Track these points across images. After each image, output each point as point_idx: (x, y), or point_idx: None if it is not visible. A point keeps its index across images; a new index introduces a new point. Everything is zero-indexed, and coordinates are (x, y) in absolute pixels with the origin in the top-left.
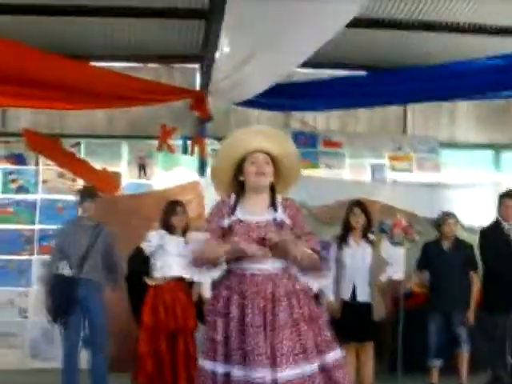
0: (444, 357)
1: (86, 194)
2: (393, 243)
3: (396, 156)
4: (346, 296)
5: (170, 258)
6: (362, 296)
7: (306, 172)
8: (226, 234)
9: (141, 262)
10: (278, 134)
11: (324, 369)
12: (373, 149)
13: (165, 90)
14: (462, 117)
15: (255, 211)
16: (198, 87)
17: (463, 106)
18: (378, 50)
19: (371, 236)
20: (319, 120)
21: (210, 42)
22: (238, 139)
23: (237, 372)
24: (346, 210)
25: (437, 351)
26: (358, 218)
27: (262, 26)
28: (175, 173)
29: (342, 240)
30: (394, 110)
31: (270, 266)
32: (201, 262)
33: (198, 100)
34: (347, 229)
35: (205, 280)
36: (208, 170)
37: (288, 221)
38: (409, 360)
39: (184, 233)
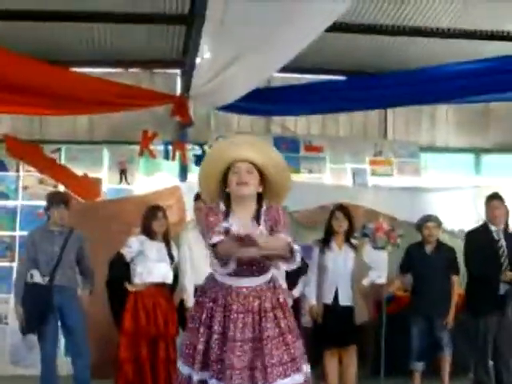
0: (426, 360)
1: (55, 199)
2: (375, 247)
3: (377, 160)
4: (329, 300)
5: (151, 264)
6: (344, 300)
7: None
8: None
9: (121, 268)
10: (261, 143)
11: (306, 379)
12: (354, 153)
13: (146, 96)
14: (442, 121)
15: (240, 223)
16: (178, 92)
17: (443, 111)
18: (359, 55)
19: (354, 241)
20: (300, 125)
21: (191, 48)
22: (220, 150)
23: (211, 382)
24: (329, 215)
25: (419, 354)
26: (341, 223)
27: (243, 30)
28: (156, 178)
29: (325, 244)
30: (374, 115)
31: (256, 281)
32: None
33: (179, 105)
34: (330, 233)
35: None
36: (189, 176)
37: (269, 223)
38: (391, 363)
39: (164, 238)
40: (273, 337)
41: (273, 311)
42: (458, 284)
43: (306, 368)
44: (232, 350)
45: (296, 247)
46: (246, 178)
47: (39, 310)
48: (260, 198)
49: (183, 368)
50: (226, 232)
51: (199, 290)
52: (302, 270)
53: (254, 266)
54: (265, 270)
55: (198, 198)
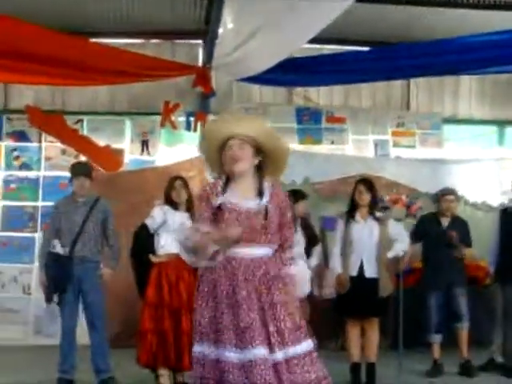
0: (444, 332)
1: (78, 170)
2: (394, 219)
3: (399, 132)
4: (354, 272)
5: (174, 234)
6: (370, 272)
7: (309, 148)
8: (217, 213)
9: (145, 239)
10: (251, 117)
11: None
12: (376, 124)
13: (168, 66)
14: (466, 92)
15: (241, 196)
16: (200, 63)
17: (466, 82)
18: (383, 25)
19: (378, 213)
20: (322, 96)
21: (214, 18)
22: (211, 130)
23: (228, 354)
24: (352, 187)
25: (437, 326)
26: (363, 196)
27: (266, 3)
28: (178, 149)
29: (349, 216)
30: (397, 86)
31: (260, 250)
32: (193, 252)
33: (201, 76)
34: (353, 206)
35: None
36: None
37: (274, 210)
38: (411, 336)
39: (188, 208)
40: (277, 305)
41: (275, 281)
42: (470, 257)
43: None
44: (244, 313)
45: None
46: (237, 154)
47: (60, 280)
48: (260, 171)
49: (196, 347)
50: (219, 207)
51: (205, 270)
52: (314, 240)
53: (255, 235)
54: (268, 242)
55: None
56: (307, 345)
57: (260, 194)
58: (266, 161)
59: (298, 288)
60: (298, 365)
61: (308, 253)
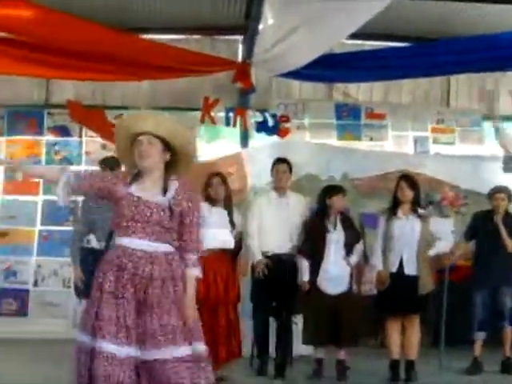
0: (488, 330)
1: (108, 164)
2: (441, 216)
3: (439, 128)
4: (393, 268)
5: (211, 230)
6: (410, 269)
7: (348, 144)
8: (116, 200)
9: None
10: (161, 115)
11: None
12: (416, 121)
13: (208, 62)
14: (506, 89)
15: (145, 191)
16: (240, 59)
17: (507, 78)
18: (423, 21)
19: (421, 210)
20: (362, 92)
21: (254, 14)
22: (123, 126)
23: (108, 347)
24: (395, 184)
25: (481, 324)
26: (406, 192)
27: None
28: (217, 145)
29: (391, 213)
30: (437, 82)
31: (151, 246)
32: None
33: (241, 71)
34: (395, 202)
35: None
36: (250, 142)
37: (175, 208)
38: (452, 333)
39: (226, 204)
40: (156, 305)
41: (162, 280)
42: None
43: (198, 345)
44: (124, 310)
45: (194, 258)
46: (146, 149)
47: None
48: (169, 168)
49: (80, 336)
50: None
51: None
52: (356, 237)
53: (147, 228)
54: (163, 240)
55: (281, 160)
56: (184, 350)
57: (164, 190)
58: (176, 159)
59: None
60: (167, 368)
61: (349, 250)
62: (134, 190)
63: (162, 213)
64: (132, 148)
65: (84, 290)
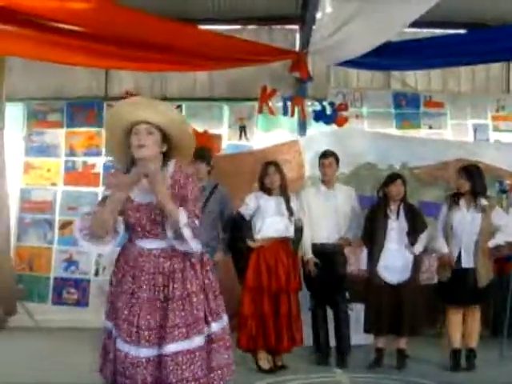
0: None
1: (198, 154)
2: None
3: (499, 116)
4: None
5: (269, 219)
6: (467, 262)
7: (406, 133)
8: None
9: (242, 226)
10: (158, 102)
11: (210, 339)
12: (475, 109)
13: (265, 51)
14: None
15: (142, 187)
16: (297, 48)
17: None
18: (479, 7)
19: (483, 201)
20: (420, 80)
21: (311, 3)
22: (118, 113)
23: (119, 344)
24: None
25: None
26: (463, 184)
27: None
28: (275, 134)
29: (453, 202)
30: (496, 69)
31: (165, 243)
32: (91, 230)
33: (298, 61)
34: (457, 192)
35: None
36: (308, 131)
37: (177, 196)
38: (510, 325)
39: (282, 192)
40: (179, 297)
41: (182, 272)
42: None
43: (216, 326)
44: (140, 310)
45: (187, 233)
46: (144, 139)
47: None
48: (167, 158)
49: (106, 323)
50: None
51: (120, 249)
52: (421, 228)
53: (156, 226)
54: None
55: (326, 154)
56: (192, 342)
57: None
58: (173, 148)
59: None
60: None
61: (414, 239)
62: (132, 192)
63: (156, 210)
64: (126, 139)
65: None
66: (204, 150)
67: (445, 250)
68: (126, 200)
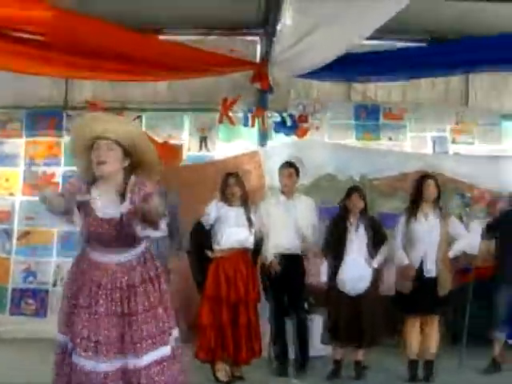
0: (509, 330)
1: None
2: (475, 217)
3: (458, 128)
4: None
5: (229, 229)
6: (429, 270)
7: (366, 144)
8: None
9: (202, 235)
10: (119, 118)
11: (172, 349)
12: (435, 121)
13: (226, 62)
14: None
15: (104, 200)
16: (258, 59)
17: None
18: (440, 20)
19: (440, 210)
20: (380, 92)
21: (272, 14)
22: (80, 128)
23: (75, 358)
24: (415, 182)
25: (502, 324)
26: (432, 191)
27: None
28: (235, 145)
29: (411, 213)
30: (455, 82)
31: (124, 256)
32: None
33: (259, 72)
34: (416, 202)
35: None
36: (269, 142)
37: (133, 213)
38: (473, 333)
39: (243, 203)
40: (142, 311)
41: (143, 286)
42: None
43: (173, 339)
44: (98, 325)
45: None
46: (105, 155)
47: None
48: (129, 173)
49: (59, 337)
50: (83, 204)
51: (75, 260)
52: (381, 240)
53: (117, 240)
54: (132, 245)
55: (286, 164)
56: (160, 352)
57: (123, 195)
58: (136, 163)
59: None
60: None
61: (374, 251)
62: (93, 204)
63: (121, 225)
64: (88, 153)
65: None
66: None
67: (405, 261)
68: (89, 213)
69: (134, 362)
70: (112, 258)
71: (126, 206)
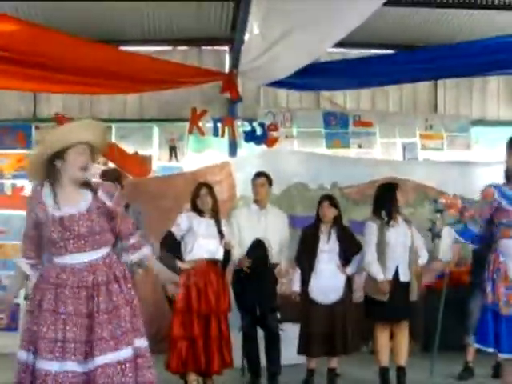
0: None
1: (108, 176)
2: (447, 224)
3: (427, 135)
4: (390, 276)
5: (200, 241)
6: (404, 276)
7: (337, 152)
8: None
9: (172, 246)
10: (96, 123)
11: (136, 354)
12: (404, 128)
13: (195, 73)
14: (494, 94)
15: (68, 203)
16: (227, 69)
17: (494, 84)
18: (407, 28)
19: (406, 217)
20: (349, 100)
21: (240, 24)
22: (67, 129)
23: (40, 363)
24: (384, 190)
25: (475, 329)
26: (402, 198)
27: (293, 7)
28: (205, 155)
29: (384, 220)
30: (424, 89)
31: (89, 256)
32: None
33: (228, 82)
34: (390, 209)
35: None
36: (239, 151)
37: (96, 211)
38: (445, 339)
39: (214, 214)
40: (104, 311)
41: (107, 285)
42: None
43: (140, 342)
44: (65, 324)
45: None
46: (89, 162)
47: None
48: None
49: (21, 354)
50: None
51: (38, 275)
52: (354, 249)
53: (79, 241)
54: (98, 246)
55: (259, 174)
56: (119, 354)
57: (92, 191)
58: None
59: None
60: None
61: (347, 260)
62: (53, 207)
63: (88, 222)
64: (53, 159)
65: None
66: (115, 171)
67: (380, 276)
68: (44, 215)
69: (93, 363)
70: (77, 259)
71: (87, 205)
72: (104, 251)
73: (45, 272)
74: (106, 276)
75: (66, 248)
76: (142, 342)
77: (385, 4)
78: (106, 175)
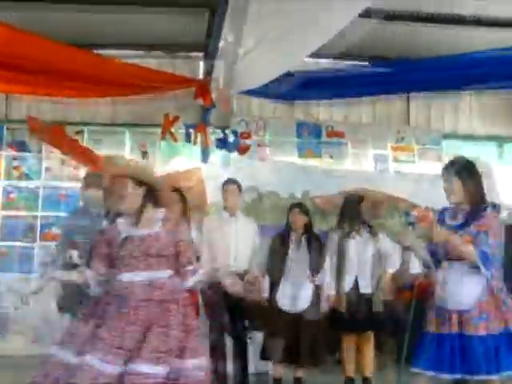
0: None
1: (92, 180)
2: (418, 236)
3: (399, 147)
4: (348, 288)
5: None
6: (364, 287)
7: (308, 162)
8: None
9: None
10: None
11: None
12: (376, 139)
13: (168, 79)
14: (466, 109)
15: (131, 221)
16: (201, 76)
17: (467, 98)
18: (381, 41)
19: (370, 228)
20: (323, 111)
21: (214, 32)
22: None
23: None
24: (349, 202)
25: None
26: (367, 210)
27: (269, 17)
28: (177, 162)
29: (345, 231)
30: (397, 102)
31: (154, 275)
32: None
33: (202, 88)
34: (353, 221)
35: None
36: (211, 158)
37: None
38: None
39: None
40: (158, 325)
41: (168, 303)
42: None
43: (185, 363)
44: (123, 332)
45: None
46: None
47: (75, 290)
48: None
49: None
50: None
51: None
52: (325, 258)
53: (147, 260)
54: (162, 267)
55: (230, 181)
56: (154, 369)
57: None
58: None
59: None
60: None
61: (316, 269)
62: (123, 227)
63: (155, 243)
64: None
65: (63, 307)
66: (99, 176)
67: (332, 292)
68: (117, 234)
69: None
70: (143, 276)
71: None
72: (164, 273)
73: (110, 282)
74: (162, 295)
75: (134, 265)
76: (194, 363)
77: (360, 15)
78: (89, 179)
